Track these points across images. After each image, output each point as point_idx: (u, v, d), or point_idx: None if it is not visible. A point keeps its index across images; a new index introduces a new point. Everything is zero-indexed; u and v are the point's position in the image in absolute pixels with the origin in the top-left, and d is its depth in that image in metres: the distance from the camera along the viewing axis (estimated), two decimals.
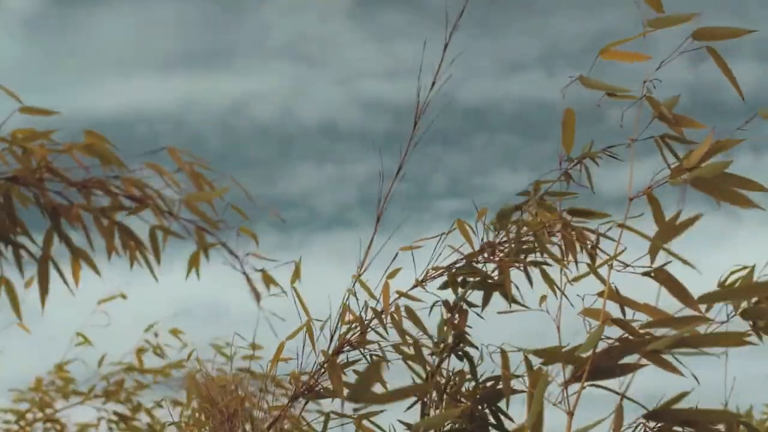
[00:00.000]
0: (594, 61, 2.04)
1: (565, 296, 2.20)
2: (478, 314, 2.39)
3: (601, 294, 2.00)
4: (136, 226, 2.24)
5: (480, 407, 2.29)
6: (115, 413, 4.66)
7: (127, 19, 6.69)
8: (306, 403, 2.43)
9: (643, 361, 1.86)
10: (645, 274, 2.01)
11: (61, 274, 2.20)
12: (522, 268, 2.33)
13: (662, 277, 1.96)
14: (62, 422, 4.64)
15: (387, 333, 2.36)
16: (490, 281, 2.36)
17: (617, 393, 1.86)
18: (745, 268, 2.42)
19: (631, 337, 1.94)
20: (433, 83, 2.40)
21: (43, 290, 2.17)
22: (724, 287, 2.15)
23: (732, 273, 2.47)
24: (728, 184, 1.92)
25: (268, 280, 2.33)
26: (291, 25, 6.58)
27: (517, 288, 2.36)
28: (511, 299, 2.33)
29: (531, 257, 2.33)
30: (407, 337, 2.32)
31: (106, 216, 2.18)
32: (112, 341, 4.64)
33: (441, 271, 2.41)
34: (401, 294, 2.39)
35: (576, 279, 2.15)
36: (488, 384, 2.33)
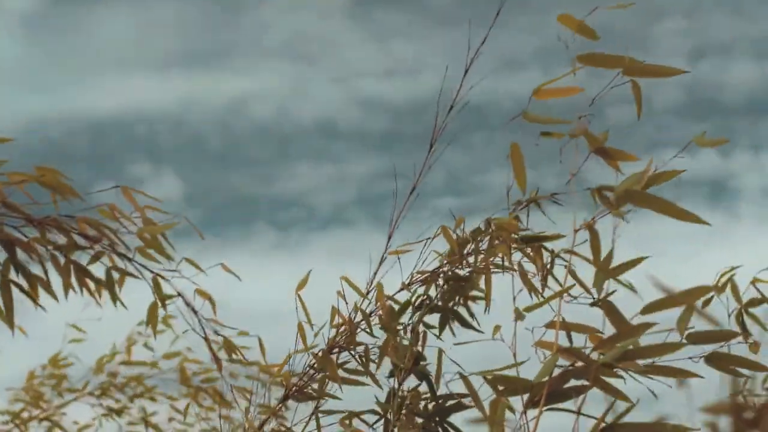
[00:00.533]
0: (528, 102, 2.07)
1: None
2: (436, 335, 2.44)
3: (551, 325, 2.07)
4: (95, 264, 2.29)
5: (433, 423, 2.34)
6: (109, 408, 4.68)
7: (126, 18, 6.72)
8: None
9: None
10: (592, 304, 2.08)
11: (29, 295, 2.28)
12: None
13: (606, 307, 2.02)
14: (55, 420, 4.66)
15: (374, 335, 2.40)
16: (446, 307, 2.41)
17: (573, 412, 1.92)
18: (734, 269, 2.44)
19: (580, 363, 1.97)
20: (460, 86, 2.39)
21: (9, 312, 2.22)
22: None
23: (723, 275, 2.50)
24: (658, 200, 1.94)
25: (230, 348, 2.37)
26: (290, 25, 6.60)
27: (473, 316, 2.42)
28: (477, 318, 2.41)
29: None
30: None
31: (63, 254, 2.24)
32: (104, 335, 4.67)
33: (425, 275, 2.45)
34: (388, 297, 2.43)
35: (528, 309, 2.19)
36: (446, 403, 2.37)
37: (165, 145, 6.84)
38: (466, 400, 2.31)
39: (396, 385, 2.38)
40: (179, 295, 2.37)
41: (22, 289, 2.27)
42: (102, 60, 6.51)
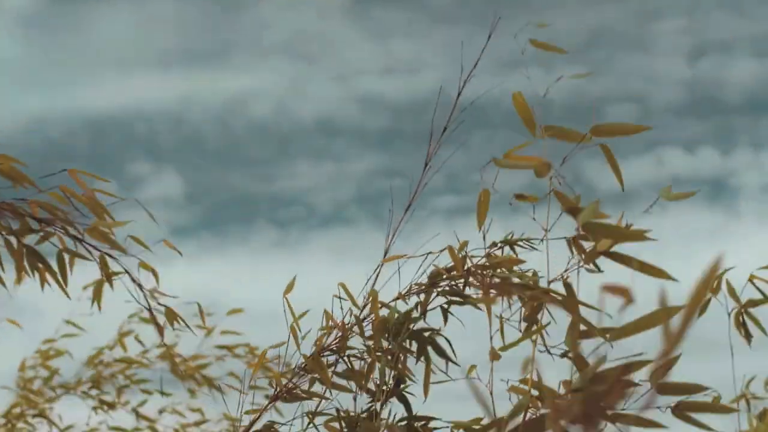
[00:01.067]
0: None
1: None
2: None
3: (524, 381, 2.09)
4: (47, 248, 2.30)
5: None
6: (101, 401, 4.70)
7: (125, 16, 6.73)
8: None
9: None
10: (562, 356, 2.12)
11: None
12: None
13: (578, 362, 2.01)
14: (47, 414, 4.68)
15: (366, 342, 2.39)
16: (424, 334, 2.40)
17: None
18: (726, 271, 2.43)
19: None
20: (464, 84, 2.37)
21: None
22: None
23: (711, 276, 2.49)
24: (618, 232, 1.94)
25: (172, 317, 2.40)
26: (289, 23, 6.61)
27: (451, 346, 2.41)
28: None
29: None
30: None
31: (17, 237, 2.25)
32: (97, 329, 4.70)
33: (422, 287, 2.44)
34: (383, 304, 2.42)
35: (503, 349, 2.21)
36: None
37: (165, 144, 6.85)
38: None
39: (378, 407, 2.38)
40: (126, 272, 2.41)
41: None
42: (101, 59, 6.53)
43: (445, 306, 2.39)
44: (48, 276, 2.36)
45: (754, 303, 2.47)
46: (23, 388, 4.70)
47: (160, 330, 2.47)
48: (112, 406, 4.73)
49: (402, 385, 2.41)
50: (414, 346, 2.40)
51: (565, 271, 2.10)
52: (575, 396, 1.53)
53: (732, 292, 2.48)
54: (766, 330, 2.49)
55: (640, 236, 1.88)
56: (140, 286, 2.46)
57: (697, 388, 1.98)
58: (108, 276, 2.42)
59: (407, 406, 2.41)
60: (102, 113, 6.57)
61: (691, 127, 6.39)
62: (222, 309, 4.38)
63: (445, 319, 2.38)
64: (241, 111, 6.74)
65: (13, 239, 2.35)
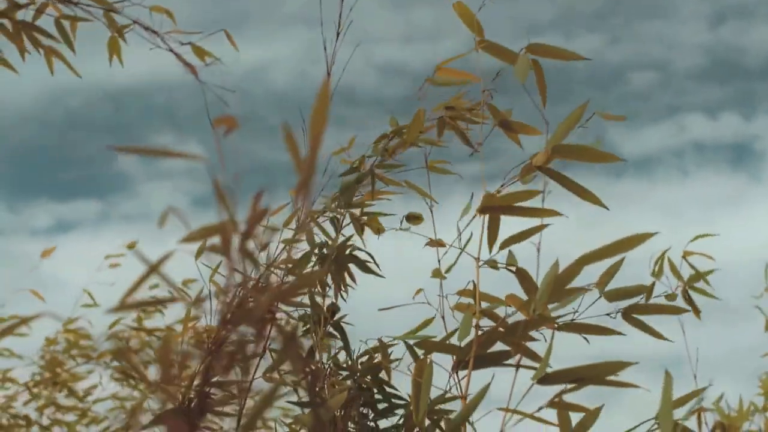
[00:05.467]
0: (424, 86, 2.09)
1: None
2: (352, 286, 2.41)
3: (465, 292, 2.11)
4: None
5: (364, 380, 2.31)
6: (121, 371, 4.74)
7: None
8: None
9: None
10: (506, 267, 2.09)
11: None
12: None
13: (519, 274, 2.04)
14: (70, 386, 4.74)
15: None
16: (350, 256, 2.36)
17: (511, 365, 1.91)
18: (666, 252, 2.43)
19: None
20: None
21: None
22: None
23: (696, 238, 2.54)
24: (589, 152, 1.92)
25: (200, 53, 2.23)
26: None
27: (374, 259, 2.39)
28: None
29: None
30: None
31: (8, 18, 2.17)
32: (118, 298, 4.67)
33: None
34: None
35: (448, 270, 2.22)
36: (364, 358, 2.35)
37: (186, 115, 6.90)
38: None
39: (315, 340, 2.34)
40: (135, 22, 2.29)
41: None
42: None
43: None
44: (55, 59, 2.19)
45: (696, 278, 2.48)
46: (47, 359, 4.76)
47: (192, 69, 2.31)
48: (131, 376, 4.72)
49: (337, 315, 2.36)
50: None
51: (496, 190, 2.07)
52: None
53: (674, 270, 2.49)
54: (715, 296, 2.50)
55: (611, 157, 1.89)
56: (155, 32, 2.32)
57: (642, 289, 2.02)
58: (118, 31, 2.27)
59: (344, 338, 2.37)
60: (121, 83, 6.63)
61: (712, 92, 6.34)
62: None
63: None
64: (260, 79, 6.78)
65: (6, 22, 2.22)
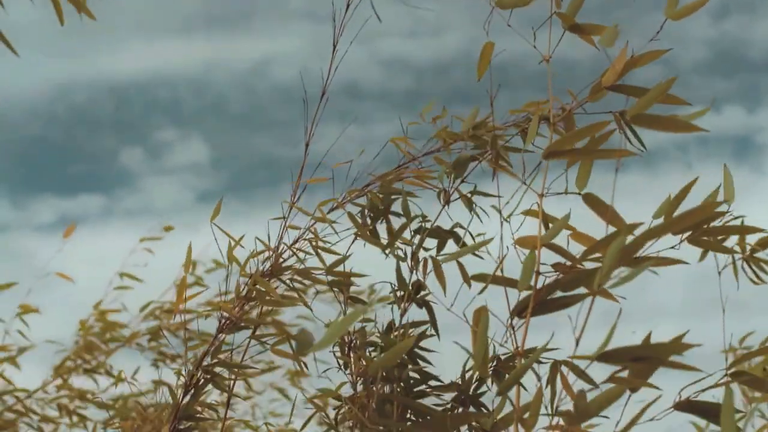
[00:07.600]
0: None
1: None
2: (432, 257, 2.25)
3: (529, 212, 2.00)
4: None
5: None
6: (160, 352, 4.58)
7: None
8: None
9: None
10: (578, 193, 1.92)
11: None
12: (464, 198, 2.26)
13: (590, 200, 1.87)
14: (105, 369, 4.58)
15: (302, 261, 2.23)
16: (443, 229, 2.28)
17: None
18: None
19: (568, 264, 1.85)
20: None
21: None
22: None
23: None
24: (668, 122, 1.81)
25: None
26: None
27: (463, 227, 2.27)
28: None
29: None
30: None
31: None
32: (153, 281, 4.69)
33: (358, 193, 2.34)
34: (318, 219, 2.26)
35: (510, 216, 2.07)
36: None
37: (189, 110, 6.96)
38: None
39: (399, 316, 2.22)
40: None
41: None
42: (123, 24, 6.64)
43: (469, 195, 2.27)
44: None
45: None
46: (81, 344, 4.63)
47: None
48: (173, 359, 4.59)
49: (423, 292, 2.24)
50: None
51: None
52: None
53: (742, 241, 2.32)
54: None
55: (691, 127, 1.79)
56: None
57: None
58: None
59: (431, 314, 2.24)
60: (125, 78, 6.64)
61: (716, 85, 6.48)
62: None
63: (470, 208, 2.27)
64: (264, 74, 6.83)
65: None
